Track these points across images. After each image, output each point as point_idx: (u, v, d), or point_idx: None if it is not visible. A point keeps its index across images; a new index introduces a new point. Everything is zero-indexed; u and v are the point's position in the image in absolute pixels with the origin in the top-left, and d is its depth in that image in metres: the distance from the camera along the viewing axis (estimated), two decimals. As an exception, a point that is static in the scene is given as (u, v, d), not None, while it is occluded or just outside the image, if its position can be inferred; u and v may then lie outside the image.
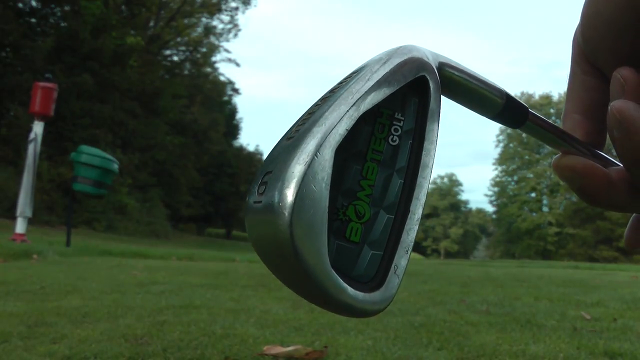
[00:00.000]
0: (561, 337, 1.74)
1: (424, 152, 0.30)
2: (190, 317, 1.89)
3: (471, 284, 3.53)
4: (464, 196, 58.45)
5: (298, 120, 0.28)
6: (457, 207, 53.81)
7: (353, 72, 0.30)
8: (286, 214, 0.24)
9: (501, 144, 40.58)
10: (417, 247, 53.09)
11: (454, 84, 0.32)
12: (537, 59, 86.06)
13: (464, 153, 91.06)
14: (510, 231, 37.36)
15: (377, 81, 0.28)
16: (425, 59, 0.30)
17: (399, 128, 0.30)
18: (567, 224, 33.70)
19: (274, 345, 1.44)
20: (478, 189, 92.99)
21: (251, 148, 34.63)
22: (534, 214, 36.97)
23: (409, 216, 0.29)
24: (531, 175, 37.98)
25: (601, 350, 1.55)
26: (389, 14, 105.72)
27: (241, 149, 32.91)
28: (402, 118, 0.30)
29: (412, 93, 0.30)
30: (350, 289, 0.27)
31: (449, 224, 52.17)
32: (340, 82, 0.30)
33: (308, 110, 0.29)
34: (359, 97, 0.27)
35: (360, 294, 0.27)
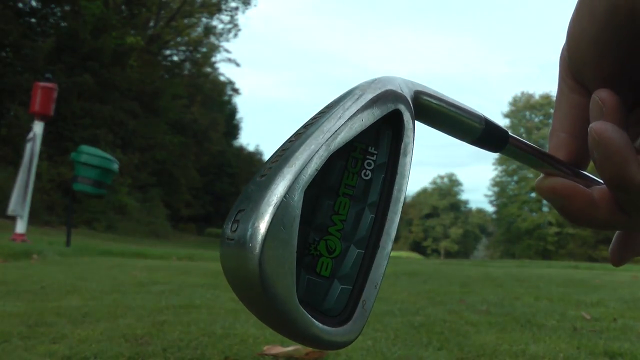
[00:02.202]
0: (561, 337, 1.74)
1: (395, 187, 0.30)
2: (190, 317, 1.89)
3: (471, 284, 3.53)
4: (464, 196, 58.46)
5: (272, 157, 0.29)
6: (457, 207, 53.80)
7: (327, 107, 0.31)
8: (256, 253, 0.25)
9: (501, 144, 40.52)
10: (417, 247, 53.12)
11: (431, 111, 0.32)
12: (537, 59, 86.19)
13: (464, 153, 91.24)
14: (510, 231, 37.34)
15: (349, 118, 0.28)
16: (399, 92, 0.30)
17: (372, 162, 0.30)
18: (567, 224, 33.60)
19: (274, 345, 1.44)
20: (478, 189, 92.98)
21: (251, 148, 34.65)
22: (534, 214, 36.95)
23: (379, 251, 0.30)
24: (531, 175, 37.94)
25: (601, 350, 1.55)
26: (389, 14, 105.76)
27: (241, 149, 32.94)
28: (376, 152, 0.30)
29: (386, 126, 0.30)
30: (318, 323, 0.28)
31: (449, 224, 52.16)
32: (314, 117, 0.30)
33: (282, 146, 0.29)
34: (329, 136, 0.28)
35: (328, 328, 0.28)
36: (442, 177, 55.34)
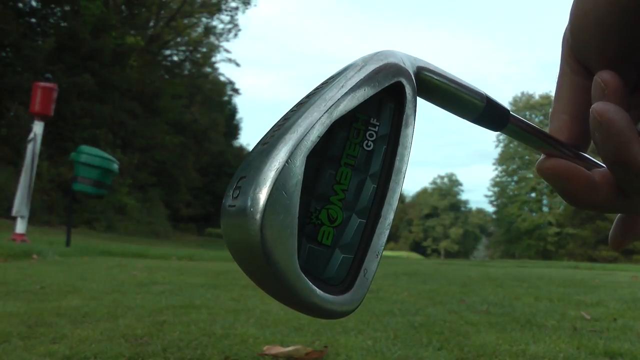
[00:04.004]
0: (561, 337, 1.74)
1: (397, 158, 0.31)
2: (190, 317, 1.89)
3: (471, 284, 3.53)
4: (464, 196, 58.51)
5: (274, 126, 0.29)
6: (457, 207, 53.80)
7: (330, 78, 0.31)
8: (257, 218, 0.25)
9: (501, 144, 40.58)
10: (417, 247, 53.11)
11: (432, 87, 0.32)
12: (537, 59, 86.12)
13: (464, 153, 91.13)
14: (510, 231, 37.33)
15: (351, 88, 0.28)
16: (402, 65, 0.30)
17: (374, 133, 0.30)
18: (567, 224, 33.69)
19: (274, 345, 1.44)
20: (478, 189, 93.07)
21: (251, 148, 34.47)
22: (534, 214, 36.95)
23: (380, 221, 0.30)
24: (531, 175, 37.97)
25: (601, 350, 1.55)
26: (389, 13, 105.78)
27: (241, 149, 32.89)
28: (378, 123, 0.31)
29: (388, 98, 0.31)
30: (319, 291, 0.28)
31: (449, 224, 52.15)
32: (317, 88, 0.30)
33: (284, 115, 0.29)
34: (331, 104, 0.28)
35: (329, 296, 0.28)
36: (442, 177, 55.42)
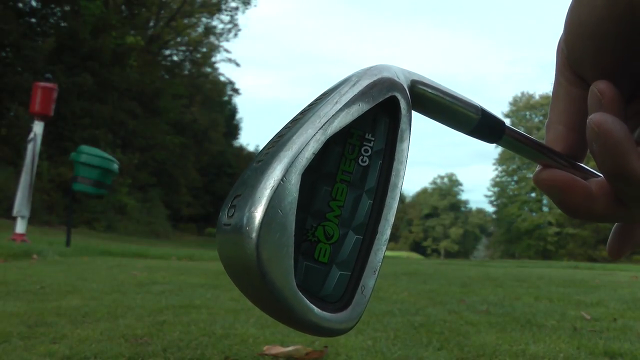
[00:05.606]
0: (561, 337, 1.74)
1: (393, 173, 0.30)
2: (190, 317, 1.89)
3: (471, 284, 3.53)
4: (464, 196, 58.50)
5: (269, 143, 0.29)
6: (457, 207, 53.79)
7: (323, 94, 0.30)
8: (253, 237, 0.25)
9: (501, 144, 40.49)
10: (417, 247, 53.11)
11: (427, 101, 0.32)
12: (537, 59, 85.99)
13: (464, 153, 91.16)
14: (510, 231, 37.32)
15: (345, 104, 0.28)
16: (396, 79, 0.30)
17: (369, 149, 0.30)
18: (567, 224, 33.67)
19: (274, 345, 1.44)
20: (478, 189, 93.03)
21: (251, 148, 34.56)
22: (534, 214, 36.94)
23: (377, 237, 0.30)
24: (531, 175, 37.87)
25: (601, 350, 1.55)
26: (389, 13, 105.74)
27: (241, 149, 32.92)
28: (373, 138, 0.30)
29: (382, 113, 0.30)
30: (316, 309, 0.28)
31: (449, 224, 52.15)
32: (311, 104, 0.30)
33: (278, 132, 0.29)
34: (326, 120, 0.28)
35: (327, 314, 0.28)
36: (442, 177, 55.40)
